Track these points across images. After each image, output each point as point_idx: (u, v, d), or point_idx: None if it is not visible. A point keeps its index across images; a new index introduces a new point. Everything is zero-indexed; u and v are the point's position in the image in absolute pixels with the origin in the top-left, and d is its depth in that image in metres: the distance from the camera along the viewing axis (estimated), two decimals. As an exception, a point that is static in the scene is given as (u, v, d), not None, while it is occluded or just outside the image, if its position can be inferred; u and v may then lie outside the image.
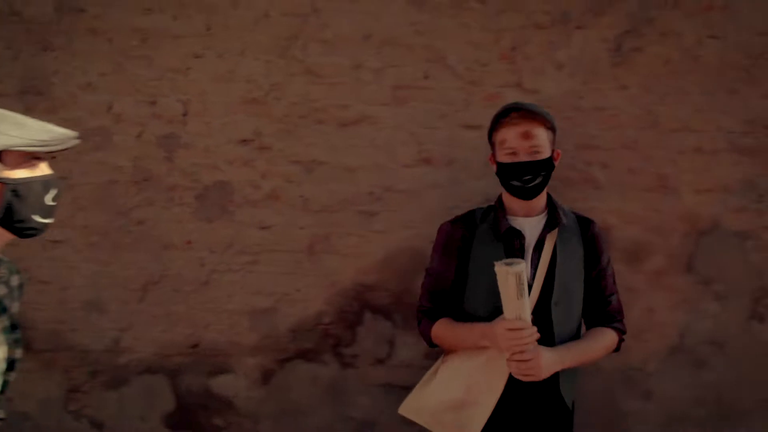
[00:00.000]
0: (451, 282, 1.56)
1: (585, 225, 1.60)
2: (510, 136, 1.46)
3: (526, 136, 1.46)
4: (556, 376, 1.48)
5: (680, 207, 2.09)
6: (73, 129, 1.04)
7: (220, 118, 1.99)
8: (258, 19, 1.96)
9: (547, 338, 1.46)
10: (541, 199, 1.55)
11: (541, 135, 1.48)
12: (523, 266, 1.32)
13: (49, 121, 1.05)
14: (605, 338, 1.58)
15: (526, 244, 1.52)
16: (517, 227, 1.52)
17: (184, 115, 1.99)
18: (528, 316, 1.36)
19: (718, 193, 2.10)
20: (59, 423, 2.04)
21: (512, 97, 1.99)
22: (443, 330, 1.53)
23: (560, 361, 1.44)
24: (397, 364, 1.99)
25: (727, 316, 2.12)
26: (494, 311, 1.44)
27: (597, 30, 2.03)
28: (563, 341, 1.51)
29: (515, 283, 1.31)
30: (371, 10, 1.97)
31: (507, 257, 1.48)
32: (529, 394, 1.48)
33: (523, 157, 1.45)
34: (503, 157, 1.48)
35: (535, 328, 1.37)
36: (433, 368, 1.58)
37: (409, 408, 1.56)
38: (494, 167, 1.55)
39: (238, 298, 1.97)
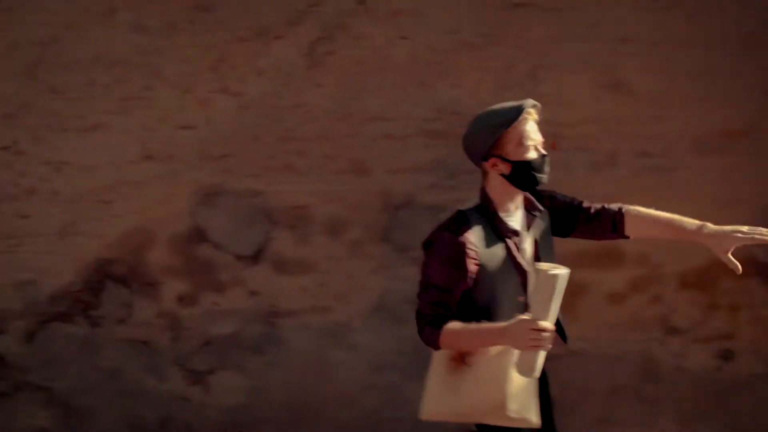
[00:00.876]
0: (460, 292, 1.51)
1: (540, 199, 1.60)
2: (533, 130, 1.46)
3: (538, 129, 1.48)
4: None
5: (375, 186, 2.46)
6: None
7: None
8: (10, 47, 2.41)
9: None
10: None
11: None
12: (567, 272, 1.32)
13: None
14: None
15: (521, 240, 1.54)
16: (513, 224, 1.54)
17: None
18: (553, 321, 1.36)
19: (411, 173, 2.45)
20: None
21: (222, 100, 2.42)
22: (456, 333, 1.48)
23: None
24: (135, 323, 2.45)
25: (424, 278, 2.49)
26: (508, 310, 1.47)
27: (293, 38, 2.41)
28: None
29: (553, 286, 1.31)
30: (101, 37, 2.40)
31: (509, 257, 1.51)
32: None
33: (542, 149, 1.47)
34: (526, 153, 1.44)
35: (554, 334, 1.36)
36: (439, 370, 1.56)
37: (443, 411, 1.54)
38: (503, 168, 1.47)
39: (7, 274, 2.45)
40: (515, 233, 1.52)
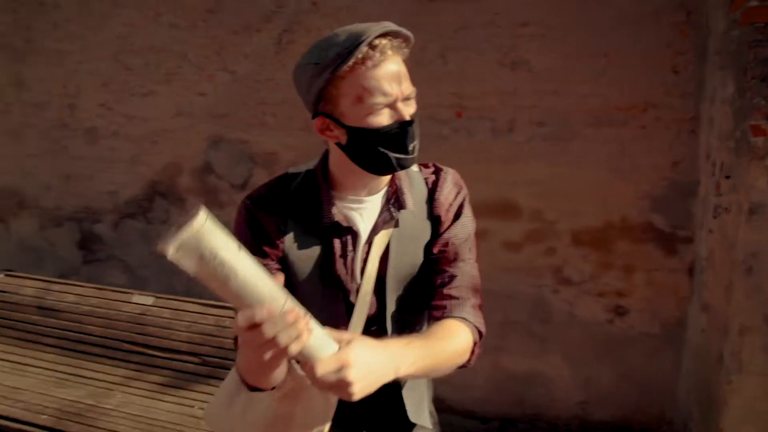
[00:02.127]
0: None
1: (433, 190, 1.14)
2: (388, 77, 0.95)
3: (402, 77, 0.98)
4: (397, 388, 1.11)
5: (321, 140, 3.32)
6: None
7: None
8: (102, 39, 3.68)
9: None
10: None
11: (407, 72, 1.01)
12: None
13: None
14: (452, 338, 1.05)
15: (358, 242, 1.08)
16: (351, 216, 1.07)
17: None
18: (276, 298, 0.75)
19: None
20: None
21: (223, 76, 3.45)
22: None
23: (393, 365, 0.87)
24: (171, 223, 3.69)
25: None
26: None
27: (266, 32, 3.33)
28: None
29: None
30: (153, 32, 3.55)
31: (324, 261, 1.06)
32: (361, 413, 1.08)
33: (406, 113, 0.98)
34: (371, 119, 0.96)
35: (292, 313, 0.74)
36: None
37: (216, 424, 1.01)
38: (336, 135, 1.02)
39: (102, 186, 3.82)
40: (348, 231, 1.07)
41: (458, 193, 1.17)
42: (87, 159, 3.76)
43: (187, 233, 0.69)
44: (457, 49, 3.08)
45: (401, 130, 0.98)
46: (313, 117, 1.03)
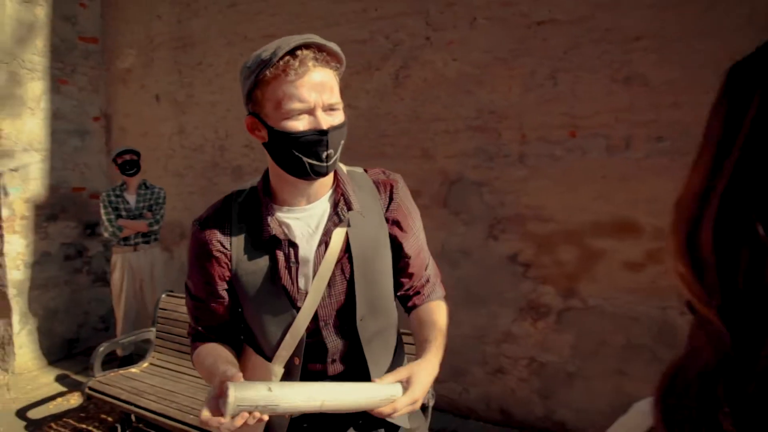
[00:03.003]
0: (215, 304, 1.16)
1: (385, 190, 1.21)
2: (299, 88, 0.99)
3: (323, 87, 1.01)
4: None
5: (436, 167, 3.47)
6: None
7: None
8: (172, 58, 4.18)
9: (358, 356, 1.18)
10: (331, 175, 1.14)
11: (336, 85, 1.07)
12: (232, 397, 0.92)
13: None
14: (441, 312, 1.25)
15: (300, 254, 1.12)
16: (288, 228, 1.11)
17: None
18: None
19: (460, 157, 3.40)
20: None
21: (347, 112, 3.74)
22: (199, 363, 1.18)
23: (436, 369, 1.11)
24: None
25: (471, 234, 3.41)
26: (272, 351, 1.14)
27: (385, 69, 3.57)
28: (377, 359, 1.19)
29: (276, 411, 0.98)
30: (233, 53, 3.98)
31: (271, 274, 1.11)
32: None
33: (323, 122, 1.01)
34: (287, 123, 1.01)
35: (235, 427, 0.94)
36: None
37: None
38: (261, 134, 1.07)
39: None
40: (289, 243, 1.11)
41: (401, 187, 1.27)
42: (234, 194, 4.27)
43: (231, 408, 0.93)
44: (568, 70, 3.08)
45: (316, 138, 1.02)
46: (248, 113, 1.09)
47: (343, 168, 1.21)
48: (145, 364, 3.44)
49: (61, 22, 4.53)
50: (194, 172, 4.45)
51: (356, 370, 1.21)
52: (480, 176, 3.33)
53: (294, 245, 1.12)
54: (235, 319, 1.22)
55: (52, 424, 3.56)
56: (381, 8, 3.56)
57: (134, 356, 4.11)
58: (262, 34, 3.96)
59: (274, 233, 1.10)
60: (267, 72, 0.99)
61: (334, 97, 1.06)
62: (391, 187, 1.22)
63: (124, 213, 3.99)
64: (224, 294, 1.16)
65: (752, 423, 0.28)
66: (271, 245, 1.11)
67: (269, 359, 1.16)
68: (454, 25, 3.34)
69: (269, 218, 1.10)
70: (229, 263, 1.12)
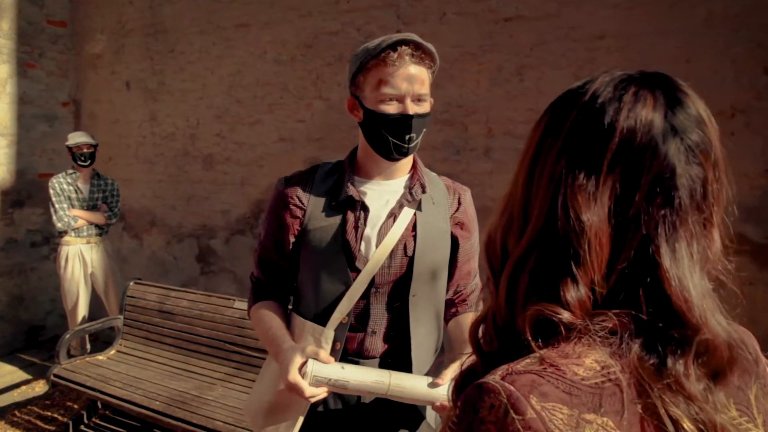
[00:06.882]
0: (280, 255, 1.28)
1: (455, 194, 1.33)
2: (395, 77, 1.13)
3: (414, 80, 1.15)
4: None
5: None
6: None
7: None
8: (219, 78, 4.18)
9: (403, 335, 1.26)
10: (410, 159, 1.29)
11: (427, 80, 1.19)
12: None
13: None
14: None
15: (369, 217, 1.22)
16: (364, 195, 1.23)
17: None
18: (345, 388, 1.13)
19: (430, 150, 3.45)
20: None
21: (319, 104, 3.77)
22: (255, 322, 1.31)
23: None
24: (273, 240, 4.05)
25: (438, 225, 3.46)
26: (322, 314, 1.23)
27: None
28: (420, 342, 1.27)
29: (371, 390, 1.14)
30: (259, 68, 3.98)
31: (340, 231, 1.21)
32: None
33: (410, 108, 1.15)
34: (381, 105, 1.15)
35: (314, 394, 1.10)
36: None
37: (245, 408, 1.39)
38: (359, 114, 1.22)
39: (216, 205, 4.28)
40: (361, 206, 1.23)
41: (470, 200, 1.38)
42: (204, 182, 4.27)
43: (308, 379, 1.09)
44: (534, 66, 3.15)
45: (402, 121, 1.17)
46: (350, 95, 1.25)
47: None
48: (112, 351, 3.43)
49: (28, 4, 4.44)
50: (165, 160, 4.43)
51: (398, 352, 1.28)
52: (447, 169, 3.38)
53: (366, 208, 1.23)
54: (292, 277, 1.33)
55: (16, 412, 3.54)
56: (353, 1, 3.58)
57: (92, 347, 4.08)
58: (236, 23, 3.96)
59: (350, 194, 1.22)
60: (370, 60, 1.15)
61: (424, 89, 1.18)
62: (461, 193, 1.35)
63: (77, 203, 3.82)
64: (290, 246, 1.27)
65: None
66: (345, 206, 1.23)
67: (318, 323, 1.26)
68: (424, 19, 3.38)
69: (348, 183, 1.23)
70: (302, 218, 1.24)
